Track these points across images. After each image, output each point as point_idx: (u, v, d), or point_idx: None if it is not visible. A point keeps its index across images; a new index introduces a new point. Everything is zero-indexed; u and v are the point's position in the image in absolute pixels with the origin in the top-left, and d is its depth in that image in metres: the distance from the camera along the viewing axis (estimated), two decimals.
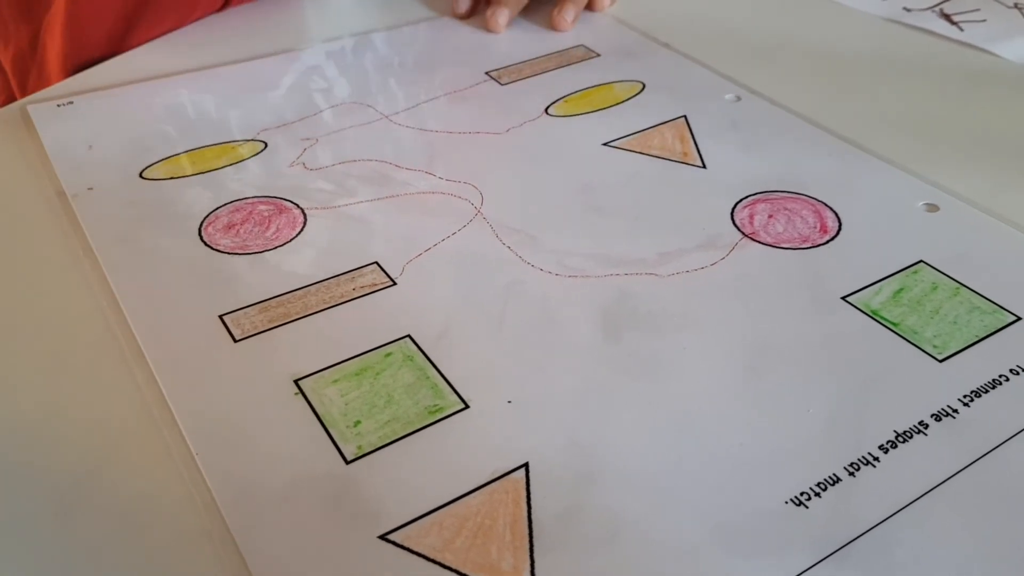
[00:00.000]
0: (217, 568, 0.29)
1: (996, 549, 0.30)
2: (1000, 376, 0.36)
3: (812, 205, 0.45)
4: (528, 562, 0.29)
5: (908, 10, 0.66)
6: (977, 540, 0.30)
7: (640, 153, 0.50)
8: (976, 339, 0.37)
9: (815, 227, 0.44)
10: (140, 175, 0.48)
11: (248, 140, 0.51)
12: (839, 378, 0.36)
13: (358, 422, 0.34)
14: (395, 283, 0.40)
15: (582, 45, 0.62)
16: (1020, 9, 0.65)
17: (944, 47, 0.61)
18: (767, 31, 0.63)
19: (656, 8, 0.66)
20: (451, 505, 0.31)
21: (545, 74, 0.58)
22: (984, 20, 0.64)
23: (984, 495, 0.31)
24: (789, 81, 0.56)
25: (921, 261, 0.41)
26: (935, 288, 0.40)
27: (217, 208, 0.45)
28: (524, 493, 0.31)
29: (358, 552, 0.29)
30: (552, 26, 0.64)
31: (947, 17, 0.64)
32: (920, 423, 0.34)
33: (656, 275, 0.41)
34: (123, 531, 0.30)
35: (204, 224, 0.44)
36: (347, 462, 0.32)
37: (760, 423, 0.34)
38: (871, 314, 0.38)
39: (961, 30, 0.63)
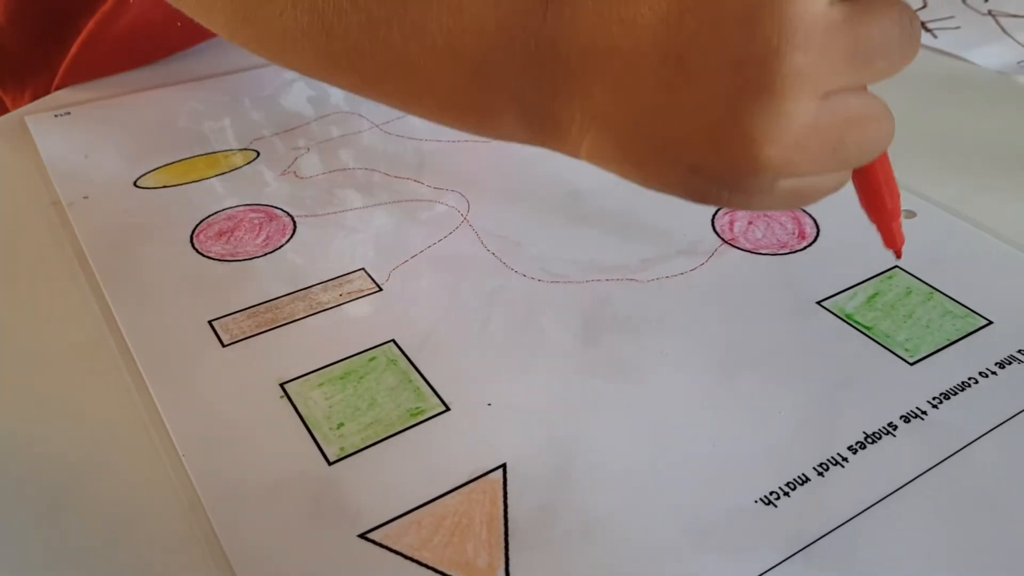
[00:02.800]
0: (201, 566, 0.30)
1: (959, 546, 0.30)
2: (969, 379, 0.37)
3: (791, 212, 0.46)
4: (503, 560, 0.30)
5: None
6: (941, 537, 0.31)
7: None
8: (947, 342, 0.38)
9: (793, 233, 0.45)
10: (135, 184, 0.49)
11: (241, 149, 0.52)
12: (811, 381, 0.36)
13: (341, 424, 0.34)
14: (381, 289, 0.41)
15: None
16: (994, 16, 0.66)
17: (919, 54, 0.62)
18: None
19: None
20: (430, 504, 0.32)
21: None
22: (958, 27, 0.65)
23: (949, 494, 0.32)
24: None
25: (896, 267, 0.42)
26: (909, 293, 0.41)
27: (209, 216, 0.46)
28: (501, 493, 0.32)
29: (338, 550, 0.30)
30: None
31: (922, 25, 0.65)
32: (889, 424, 0.35)
33: (636, 280, 0.42)
34: (110, 530, 0.31)
35: (196, 231, 0.45)
36: (330, 463, 0.33)
37: (733, 424, 0.35)
38: (845, 318, 0.39)
39: (935, 37, 0.63)
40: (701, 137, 0.29)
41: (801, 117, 0.28)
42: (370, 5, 0.33)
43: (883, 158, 0.34)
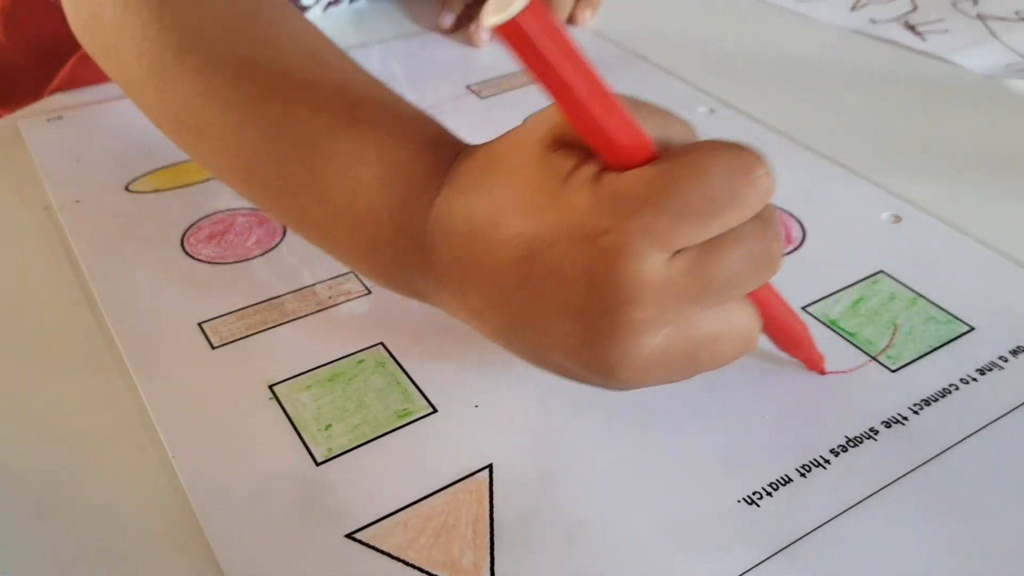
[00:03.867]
0: (190, 565, 0.30)
1: (936, 547, 0.31)
2: (951, 385, 0.37)
3: (777, 215, 0.46)
4: (488, 559, 0.30)
5: (874, 22, 0.67)
6: (919, 538, 0.31)
7: None
8: (930, 349, 0.39)
9: None
10: (126, 188, 0.49)
11: None
12: (794, 386, 0.37)
13: (329, 425, 0.35)
14: (370, 292, 0.42)
15: None
16: (983, 19, 0.67)
17: (908, 58, 0.63)
18: (740, 45, 0.65)
19: (634, 22, 0.68)
20: (416, 505, 0.32)
21: (525, 87, 0.59)
22: (947, 30, 0.65)
23: (927, 497, 0.33)
24: (761, 93, 0.58)
25: (881, 271, 0.43)
26: (893, 298, 0.41)
27: (199, 220, 0.46)
28: (487, 493, 0.33)
29: (326, 550, 0.31)
30: None
31: (911, 28, 0.66)
32: (871, 429, 0.35)
33: None
34: (100, 531, 0.32)
35: (186, 235, 0.45)
36: (317, 464, 0.33)
37: (716, 427, 0.35)
38: (829, 324, 0.40)
39: (924, 41, 0.64)
40: (563, 352, 0.30)
41: (649, 348, 0.29)
42: (288, 167, 0.35)
43: (778, 305, 0.35)
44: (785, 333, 0.36)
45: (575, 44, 0.26)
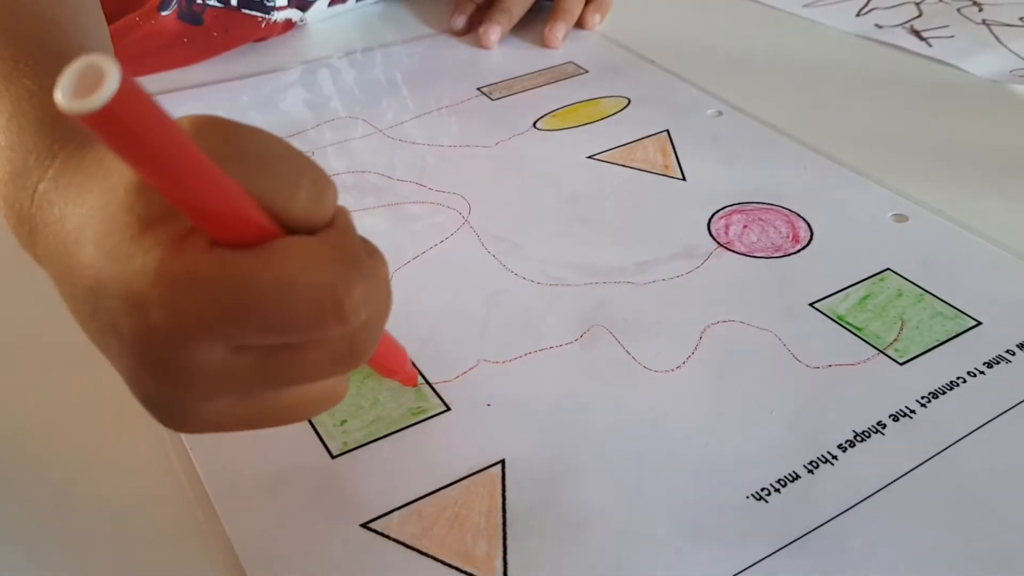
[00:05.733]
0: (207, 555, 0.31)
1: (943, 540, 0.31)
2: (958, 378, 0.37)
3: (785, 215, 0.47)
4: (501, 549, 0.31)
5: (879, 27, 0.68)
6: (926, 532, 0.32)
7: (623, 166, 0.52)
8: (937, 343, 0.39)
9: (787, 237, 0.45)
10: None
11: None
12: (803, 381, 0.37)
13: (344, 421, 0.35)
14: None
15: (571, 62, 0.64)
16: (988, 25, 0.67)
17: (914, 62, 0.63)
18: (748, 48, 0.65)
19: (643, 26, 0.68)
20: (430, 496, 0.33)
21: (535, 90, 0.60)
22: (952, 36, 0.66)
23: (935, 491, 0.33)
24: (768, 96, 0.58)
25: (888, 269, 0.43)
26: (900, 295, 0.42)
27: None
28: (500, 486, 0.33)
29: (341, 539, 0.31)
30: (543, 43, 0.66)
31: (917, 33, 0.66)
32: (878, 423, 0.35)
33: (633, 283, 0.43)
34: (118, 522, 0.32)
35: None
36: (333, 457, 0.34)
37: (726, 424, 0.36)
38: (837, 320, 0.40)
39: (930, 46, 0.65)
40: (134, 394, 0.28)
41: (209, 413, 0.27)
42: None
43: (384, 345, 0.33)
44: (389, 366, 0.36)
45: (168, 116, 0.21)
